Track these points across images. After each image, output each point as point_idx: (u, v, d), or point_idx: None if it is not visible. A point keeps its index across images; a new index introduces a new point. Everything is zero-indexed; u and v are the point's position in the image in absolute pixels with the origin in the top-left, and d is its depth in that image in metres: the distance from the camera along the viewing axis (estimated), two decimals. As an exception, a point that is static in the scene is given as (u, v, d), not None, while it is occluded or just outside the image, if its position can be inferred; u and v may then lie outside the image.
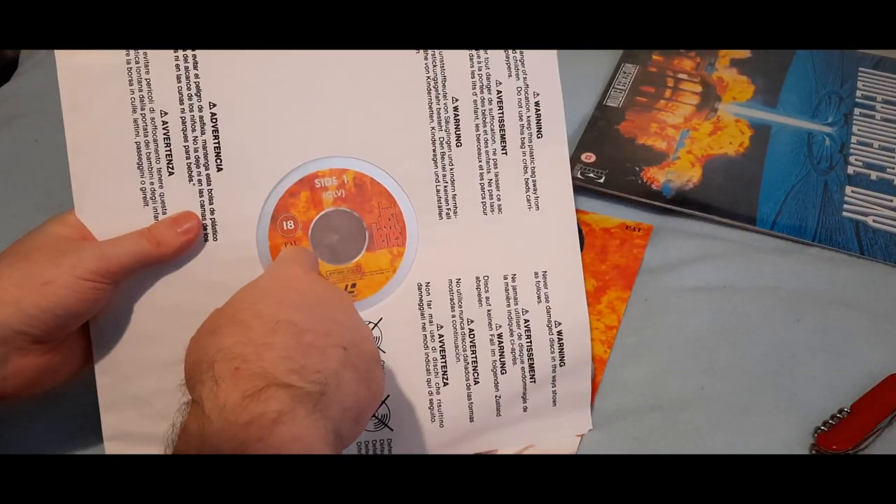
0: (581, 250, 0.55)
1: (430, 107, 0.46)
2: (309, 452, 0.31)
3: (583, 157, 0.63)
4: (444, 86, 0.46)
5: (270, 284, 0.38)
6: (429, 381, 0.46)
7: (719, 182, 0.60)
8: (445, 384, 0.46)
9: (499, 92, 0.46)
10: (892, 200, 0.59)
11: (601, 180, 0.61)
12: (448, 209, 0.46)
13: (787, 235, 0.58)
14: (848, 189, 0.60)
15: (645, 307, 0.54)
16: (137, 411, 0.44)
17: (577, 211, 0.59)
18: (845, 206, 0.59)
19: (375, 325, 0.45)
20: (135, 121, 0.43)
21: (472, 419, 0.46)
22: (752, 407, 0.49)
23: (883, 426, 0.47)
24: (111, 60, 0.43)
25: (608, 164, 0.62)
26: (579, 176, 0.61)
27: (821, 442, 0.46)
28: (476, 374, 0.46)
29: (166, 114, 0.43)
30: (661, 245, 0.57)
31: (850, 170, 0.61)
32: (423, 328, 0.46)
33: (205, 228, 0.44)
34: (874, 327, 0.52)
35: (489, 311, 0.46)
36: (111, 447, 0.44)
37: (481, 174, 0.46)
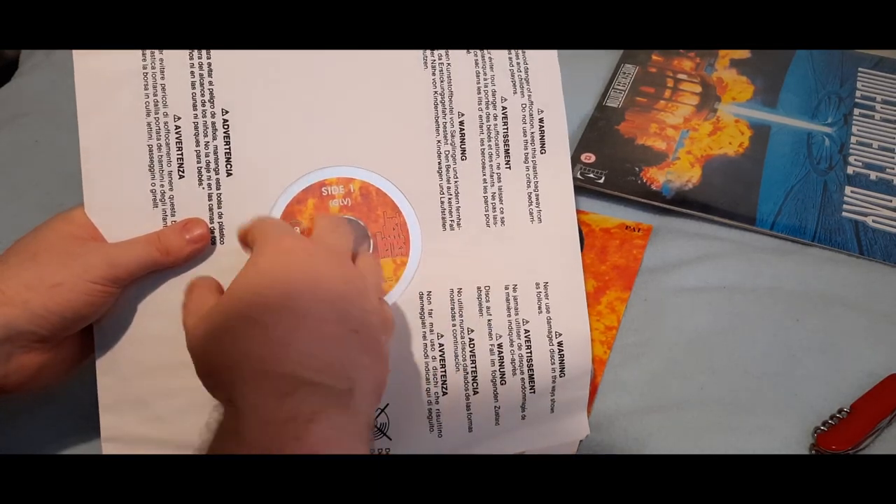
0: (581, 251, 0.55)
1: (437, 121, 0.46)
2: (346, 451, 0.32)
3: (583, 157, 0.63)
4: (450, 101, 0.46)
5: (272, 268, 0.37)
6: (428, 390, 0.46)
7: (719, 182, 0.60)
8: (444, 394, 0.46)
9: (504, 108, 0.47)
10: (891, 200, 0.59)
11: (601, 180, 0.61)
12: (452, 221, 0.46)
13: (787, 235, 0.58)
14: (847, 189, 0.60)
15: (645, 307, 0.54)
16: (137, 413, 0.44)
17: (577, 211, 0.60)
18: (845, 206, 0.59)
19: None
20: (148, 124, 0.43)
21: (470, 429, 0.46)
22: (751, 407, 0.49)
23: (883, 426, 0.47)
24: (127, 66, 0.43)
25: (608, 164, 0.62)
26: (579, 176, 0.61)
27: (820, 442, 0.46)
28: (475, 385, 0.46)
29: (179, 118, 0.44)
30: (660, 245, 0.57)
31: (850, 170, 0.61)
32: (424, 337, 0.46)
33: (212, 232, 0.44)
34: (874, 327, 0.52)
35: (490, 321, 0.46)
36: (108, 448, 0.44)
37: (485, 187, 0.47)
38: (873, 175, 0.61)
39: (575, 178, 0.61)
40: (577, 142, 0.64)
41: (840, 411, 0.47)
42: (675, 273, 0.56)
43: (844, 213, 0.58)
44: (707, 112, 0.65)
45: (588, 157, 0.63)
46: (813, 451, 0.46)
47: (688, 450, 0.47)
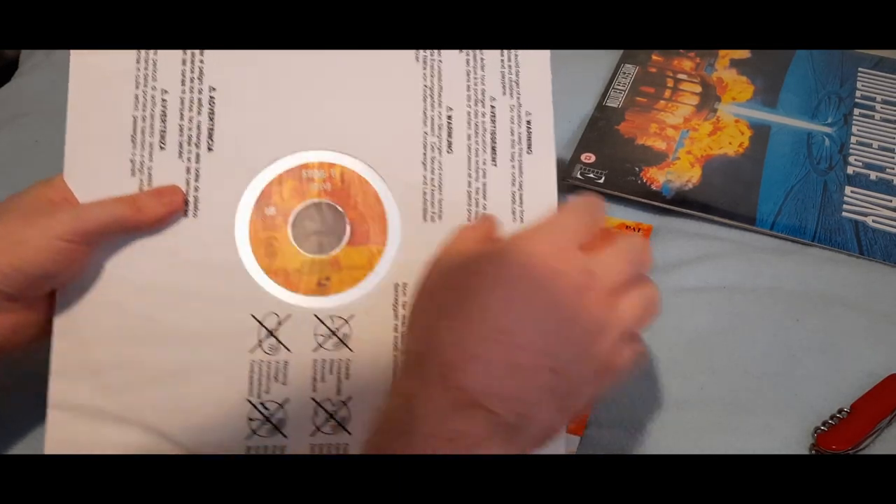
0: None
1: (425, 112, 0.46)
2: None
3: (583, 157, 0.63)
4: (439, 95, 0.46)
5: (508, 268, 0.34)
6: None
7: (719, 182, 0.60)
8: None
9: (492, 107, 0.47)
10: (891, 200, 0.59)
11: (601, 180, 0.61)
12: (433, 212, 0.46)
13: (787, 235, 0.58)
14: (847, 189, 0.60)
15: (645, 307, 0.54)
16: (89, 382, 0.42)
17: (577, 211, 0.59)
18: (845, 206, 0.59)
19: (346, 321, 0.45)
20: (136, 96, 0.44)
21: None
22: (751, 407, 0.49)
23: (883, 426, 0.47)
24: (124, 66, 0.44)
25: (608, 164, 0.62)
26: (579, 176, 0.61)
27: (820, 442, 0.46)
28: None
29: (167, 92, 0.44)
30: (660, 245, 0.57)
31: (850, 170, 0.61)
32: (395, 329, 0.45)
33: (186, 205, 0.44)
34: (874, 327, 0.52)
35: None
36: (54, 416, 0.42)
37: (469, 182, 0.47)
38: (873, 175, 0.61)
39: (575, 178, 0.61)
40: (577, 142, 0.64)
41: (840, 411, 0.47)
42: (675, 273, 0.56)
43: (844, 213, 0.58)
44: (707, 112, 0.65)
45: (588, 157, 0.63)
46: (813, 451, 0.46)
47: (688, 450, 0.47)
